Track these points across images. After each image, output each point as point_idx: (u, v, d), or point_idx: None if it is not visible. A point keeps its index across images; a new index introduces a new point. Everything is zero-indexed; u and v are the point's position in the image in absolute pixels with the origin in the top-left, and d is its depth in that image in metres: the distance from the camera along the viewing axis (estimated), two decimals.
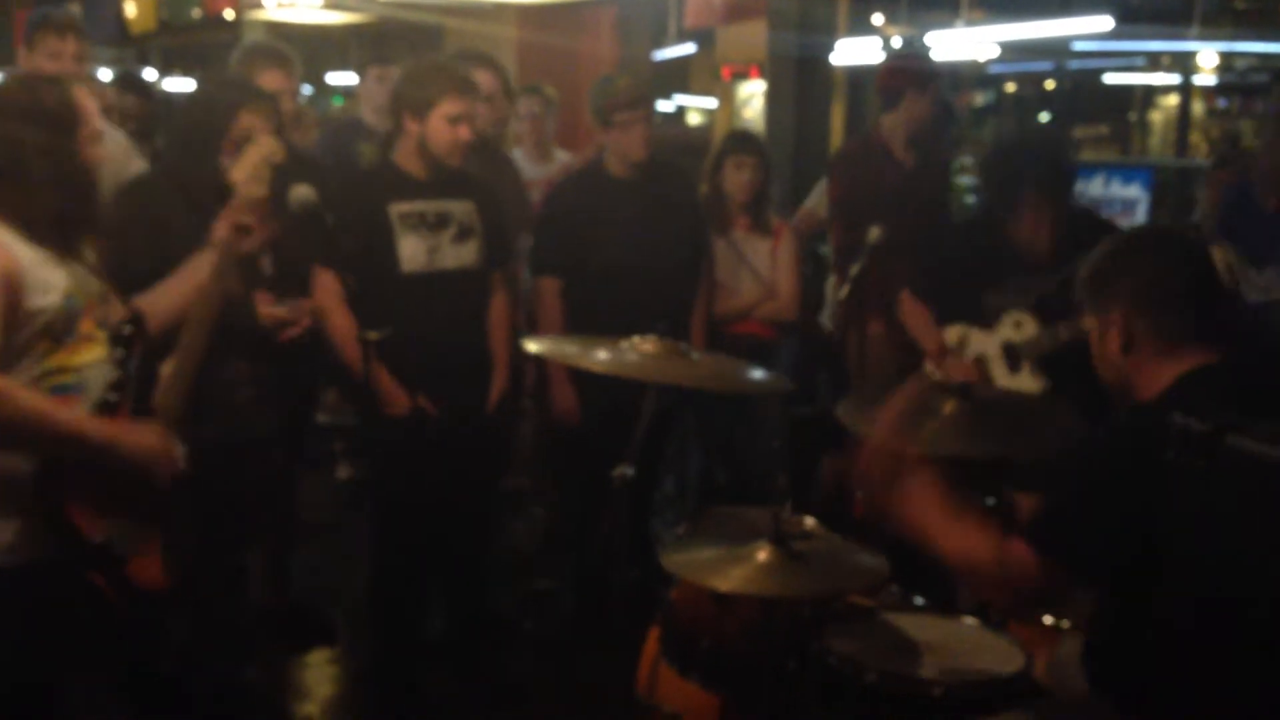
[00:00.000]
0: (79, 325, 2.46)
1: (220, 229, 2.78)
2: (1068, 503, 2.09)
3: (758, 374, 2.98)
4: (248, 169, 2.83)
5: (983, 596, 2.50)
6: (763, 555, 2.42)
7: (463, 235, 3.71)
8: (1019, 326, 3.67)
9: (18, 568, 2.39)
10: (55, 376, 2.42)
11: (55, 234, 2.42)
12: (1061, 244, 3.53)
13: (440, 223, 3.68)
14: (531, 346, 2.90)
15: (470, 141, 3.68)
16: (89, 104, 2.51)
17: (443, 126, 3.59)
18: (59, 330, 2.41)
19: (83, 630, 2.52)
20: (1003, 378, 3.70)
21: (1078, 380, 3.36)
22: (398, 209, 3.63)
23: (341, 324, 3.48)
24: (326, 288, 3.53)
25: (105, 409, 2.48)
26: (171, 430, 2.58)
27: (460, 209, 3.72)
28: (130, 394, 2.54)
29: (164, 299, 2.74)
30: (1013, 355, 3.67)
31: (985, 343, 3.75)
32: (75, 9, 7.98)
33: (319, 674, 4.11)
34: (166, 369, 2.67)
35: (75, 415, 2.40)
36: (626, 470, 2.67)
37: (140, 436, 2.49)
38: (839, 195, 4.69)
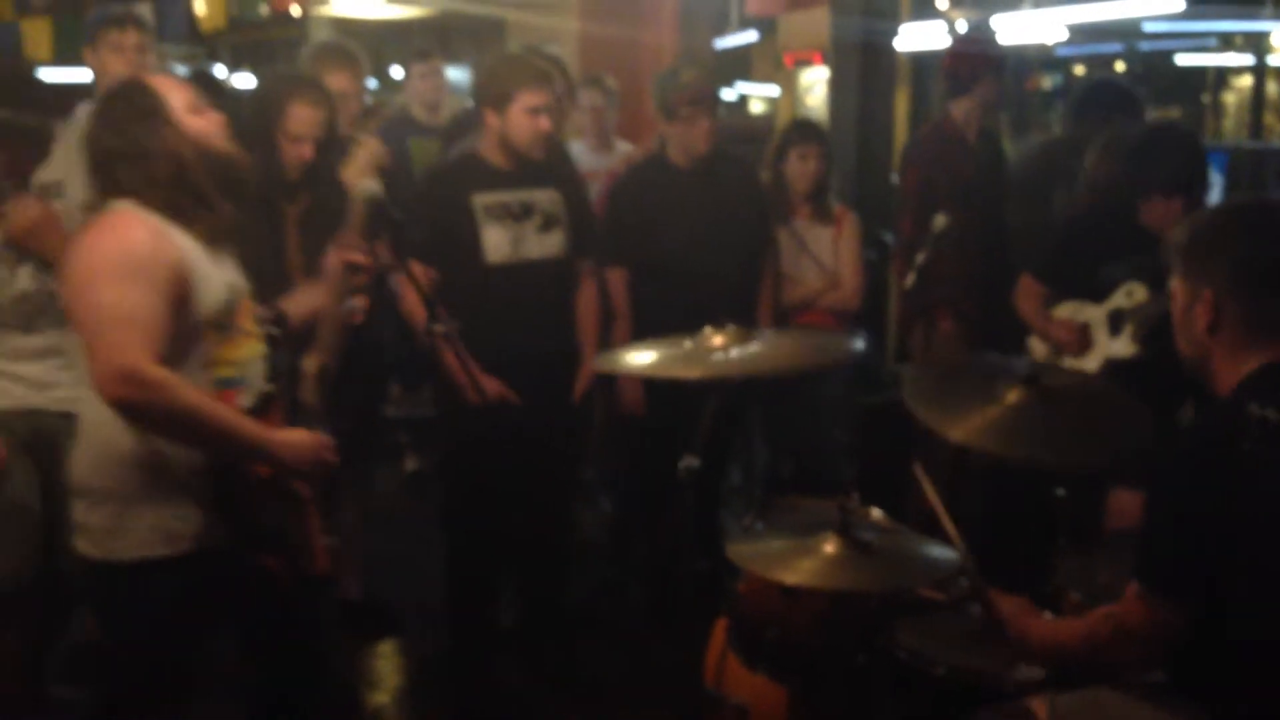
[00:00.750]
0: (239, 319, 2.54)
1: (332, 261, 2.84)
2: (1164, 532, 2.03)
3: (835, 340, 2.95)
4: (356, 171, 2.95)
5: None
6: (829, 547, 2.41)
7: (548, 225, 3.74)
8: (1130, 295, 3.69)
9: (196, 553, 2.46)
10: (220, 369, 2.49)
11: (206, 221, 2.49)
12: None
13: (524, 212, 3.71)
14: (604, 366, 2.90)
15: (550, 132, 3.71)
16: (169, 85, 2.56)
17: (523, 118, 3.62)
18: (222, 323, 2.49)
19: (255, 612, 2.62)
20: (1102, 341, 3.72)
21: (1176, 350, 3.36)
22: (481, 200, 3.67)
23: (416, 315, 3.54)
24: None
25: (265, 402, 2.54)
26: (318, 423, 2.66)
27: (545, 198, 3.75)
28: (284, 388, 2.62)
29: (293, 308, 2.84)
30: (1116, 319, 3.69)
31: (1093, 312, 3.77)
32: (145, 9, 8.11)
33: (390, 664, 4.17)
34: (308, 365, 2.76)
35: (235, 415, 2.45)
36: (693, 461, 2.66)
37: (294, 440, 2.53)
38: (914, 185, 4.65)
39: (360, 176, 2.91)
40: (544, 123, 3.64)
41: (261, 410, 2.53)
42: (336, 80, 4.06)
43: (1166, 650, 2.03)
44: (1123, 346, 3.65)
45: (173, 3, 9.13)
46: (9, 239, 3.14)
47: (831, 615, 2.51)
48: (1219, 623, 1.97)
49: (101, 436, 2.45)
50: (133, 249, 2.37)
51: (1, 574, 3.20)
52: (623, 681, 3.87)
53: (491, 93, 3.65)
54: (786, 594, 2.53)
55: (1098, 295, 3.76)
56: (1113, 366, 3.68)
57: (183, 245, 2.44)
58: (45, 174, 3.30)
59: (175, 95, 2.54)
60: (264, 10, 11.23)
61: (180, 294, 2.40)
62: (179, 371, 2.38)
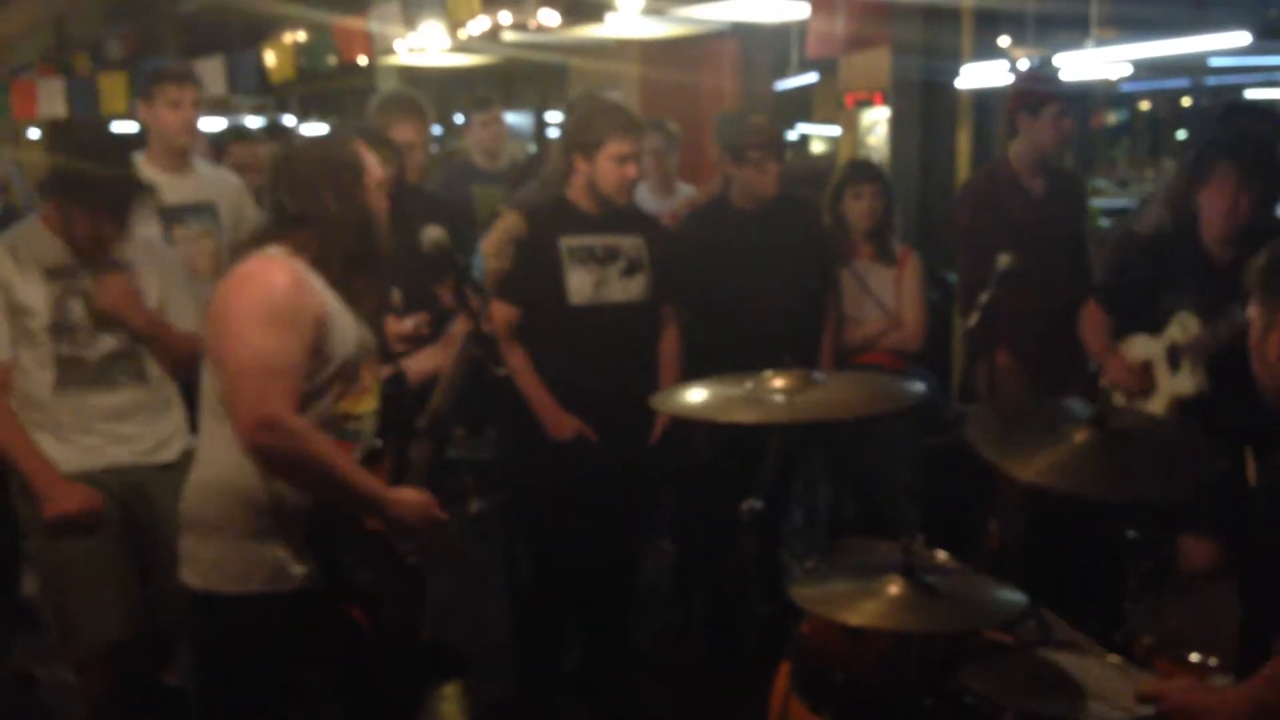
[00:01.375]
0: (363, 374, 2.60)
1: (459, 329, 2.93)
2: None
3: (896, 385, 2.92)
4: (495, 245, 3.15)
5: None
6: (894, 589, 2.38)
7: (631, 270, 3.78)
8: (1184, 328, 3.63)
9: (291, 595, 2.51)
10: (341, 423, 2.55)
11: (346, 277, 2.57)
12: (1245, 240, 3.44)
13: (609, 256, 3.75)
14: (662, 405, 2.91)
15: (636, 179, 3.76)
16: (371, 158, 2.66)
17: (611, 166, 3.67)
18: (348, 377, 2.55)
19: (338, 659, 2.66)
20: (1164, 379, 3.66)
21: (1239, 379, 3.29)
22: (567, 243, 3.72)
23: (512, 355, 3.60)
24: (501, 320, 3.62)
25: (373, 457, 2.60)
26: (424, 480, 2.73)
27: (629, 244, 3.79)
28: (394, 445, 2.68)
29: (415, 365, 2.94)
30: (1174, 355, 3.63)
31: (1152, 347, 3.72)
32: (218, 62, 8.33)
33: (454, 707, 4.18)
34: (420, 422, 2.82)
35: (358, 468, 2.52)
36: (755, 503, 2.66)
37: (407, 498, 2.60)
38: (965, 225, 4.64)
39: (494, 251, 2.97)
40: (631, 170, 3.70)
41: (368, 464, 2.58)
42: (403, 130, 4.13)
43: None
44: (1184, 384, 3.59)
45: (244, 55, 9.36)
46: (95, 311, 3.22)
47: (896, 658, 2.48)
48: None
49: (218, 472, 2.52)
50: (278, 296, 2.43)
51: (98, 627, 3.24)
52: None
53: (581, 139, 3.71)
54: (851, 636, 2.50)
55: (1157, 324, 3.70)
56: (1180, 405, 3.61)
57: (324, 295, 2.51)
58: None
59: (374, 171, 2.65)
60: (332, 61, 11.44)
61: (318, 345, 2.47)
62: (304, 417, 2.45)
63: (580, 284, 3.71)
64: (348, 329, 2.55)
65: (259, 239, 2.58)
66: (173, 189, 3.88)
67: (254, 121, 11.30)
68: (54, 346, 3.19)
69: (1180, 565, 3.42)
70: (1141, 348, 3.75)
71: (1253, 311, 2.10)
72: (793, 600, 2.47)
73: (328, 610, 2.55)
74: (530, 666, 3.92)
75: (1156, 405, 3.67)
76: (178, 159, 4.06)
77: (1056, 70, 5.67)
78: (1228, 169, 3.50)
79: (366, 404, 2.62)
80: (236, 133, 4.78)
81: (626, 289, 3.77)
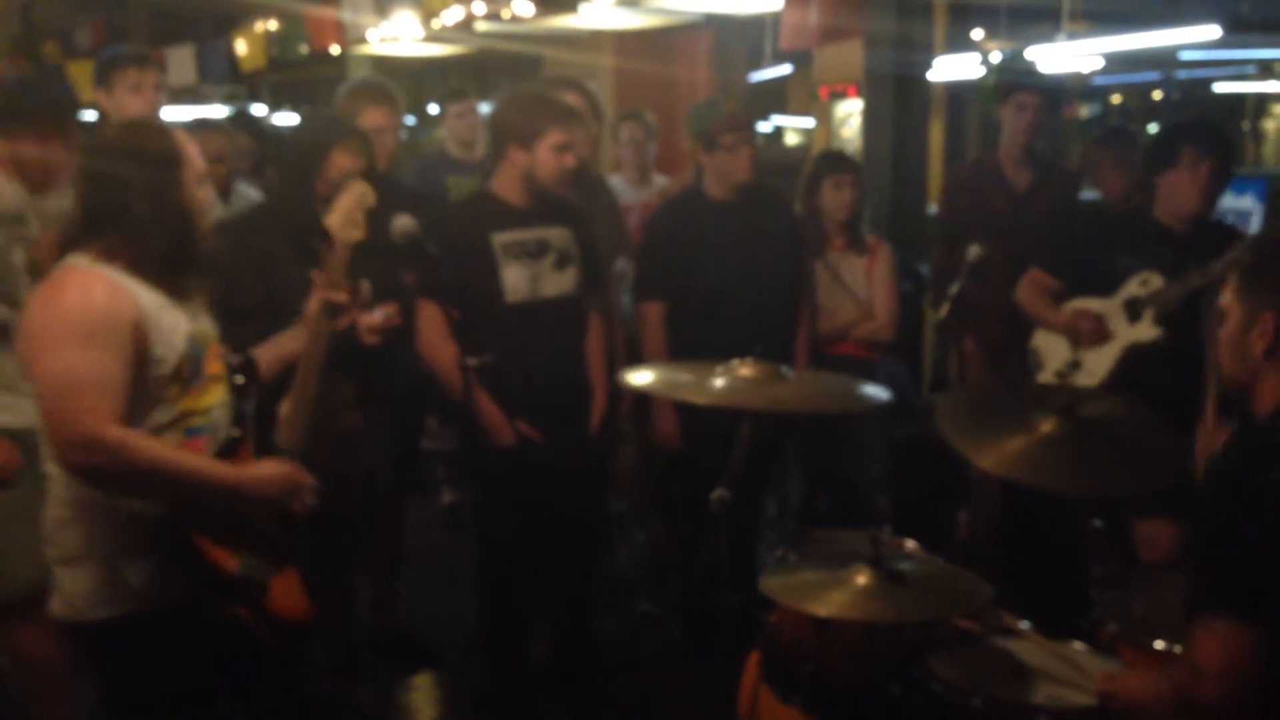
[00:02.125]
0: (204, 367, 2.49)
1: (312, 305, 2.80)
2: (1206, 555, 1.99)
3: (862, 389, 2.93)
4: (341, 215, 2.84)
5: None
6: (861, 579, 2.39)
7: (561, 262, 3.75)
8: (1145, 283, 3.71)
9: (160, 609, 2.41)
10: (186, 420, 2.45)
11: (166, 276, 2.44)
12: (1200, 223, 3.68)
13: (540, 250, 3.72)
14: (631, 380, 2.89)
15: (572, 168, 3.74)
16: (192, 147, 2.52)
17: (550, 156, 3.64)
18: (186, 374, 2.44)
19: (230, 664, 2.55)
20: (1121, 329, 3.73)
21: (1198, 329, 3.37)
22: (500, 239, 3.68)
23: (444, 354, 3.55)
24: (430, 318, 3.59)
25: (230, 446, 2.51)
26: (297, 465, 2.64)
27: (558, 235, 3.76)
28: (251, 431, 2.57)
29: (268, 353, 2.80)
30: (1133, 306, 3.71)
31: (1106, 305, 3.78)
32: (189, 51, 8.27)
33: (426, 697, 4.17)
34: (284, 408, 2.73)
35: (199, 460, 2.42)
36: (724, 494, 2.66)
37: (264, 474, 2.50)
38: (942, 216, 4.68)
39: (341, 222, 2.88)
40: (570, 160, 3.67)
41: (228, 455, 2.49)
42: (373, 116, 4.10)
43: (1248, 685, 1.92)
44: (1144, 331, 3.67)
45: (214, 43, 9.29)
46: (30, 264, 3.19)
47: (865, 647, 2.49)
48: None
49: (59, 493, 2.42)
50: (90, 310, 2.29)
51: (26, 576, 3.21)
52: (657, 715, 3.85)
53: (520, 130, 3.66)
54: (819, 626, 2.52)
55: (1107, 289, 3.77)
56: (1134, 352, 3.69)
57: (142, 300, 2.37)
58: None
59: (195, 162, 2.50)
60: (304, 50, 11.38)
61: (140, 351, 2.35)
62: (143, 427, 2.35)
63: (516, 281, 3.67)
64: (175, 328, 2.41)
65: (65, 245, 2.41)
66: None
67: (224, 111, 11.23)
68: None
69: (1141, 554, 3.47)
70: (1091, 306, 3.82)
71: (1229, 303, 2.11)
72: (762, 590, 2.48)
73: (209, 614, 2.45)
74: (500, 657, 3.92)
75: (1109, 353, 3.72)
76: None
77: (1029, 63, 5.70)
78: (1198, 155, 3.61)
79: (213, 395, 2.51)
80: (199, 124, 4.72)
81: (559, 283, 3.74)
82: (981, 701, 2.34)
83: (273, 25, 11.82)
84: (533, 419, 3.66)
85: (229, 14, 12.55)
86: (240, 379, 2.61)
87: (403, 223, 3.15)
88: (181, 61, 11.60)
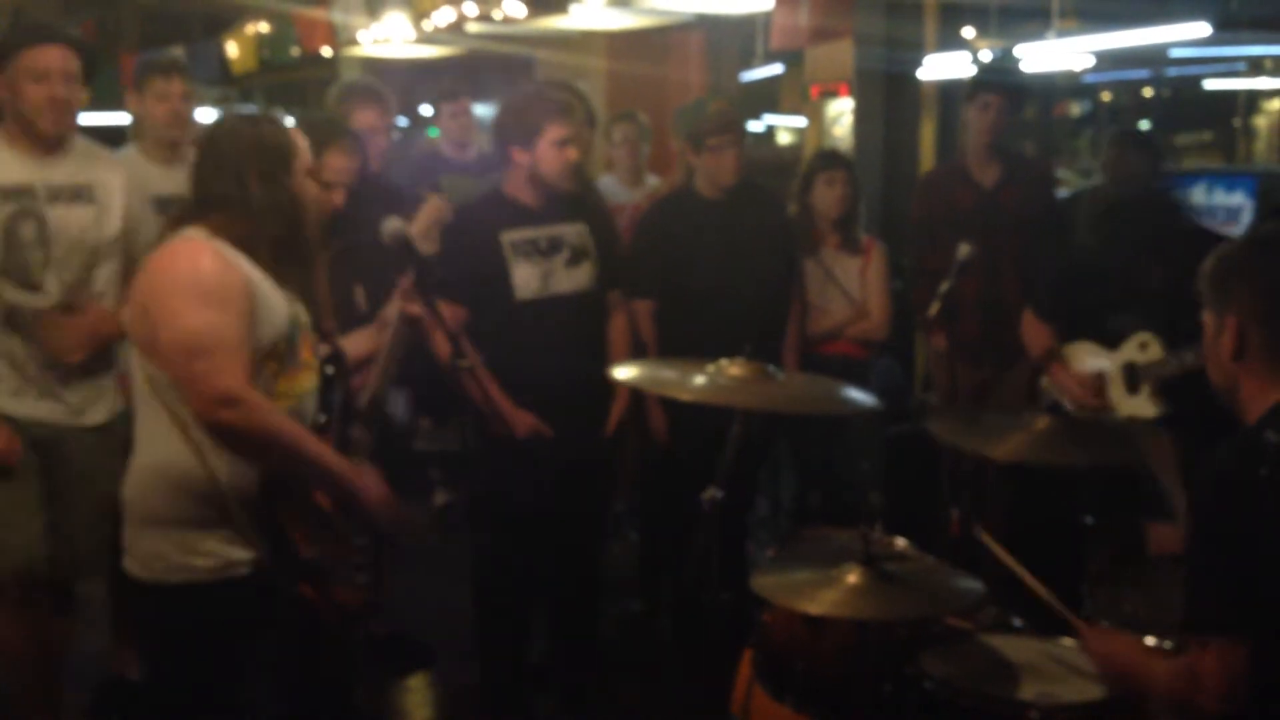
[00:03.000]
0: (300, 352, 2.57)
1: (393, 310, 2.94)
2: (1200, 569, 2.00)
3: (848, 393, 2.95)
4: (421, 228, 3.08)
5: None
6: (852, 577, 2.40)
7: (576, 259, 3.77)
8: (1144, 348, 3.60)
9: (223, 582, 2.49)
10: (280, 401, 2.51)
11: (274, 261, 2.53)
12: (1184, 272, 3.46)
13: (552, 248, 3.74)
14: (619, 375, 2.91)
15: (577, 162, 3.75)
16: (303, 143, 2.63)
17: (551, 151, 3.65)
18: (283, 354, 2.51)
19: (291, 638, 2.64)
20: (1120, 399, 3.63)
21: (1198, 407, 3.33)
22: (509, 237, 3.70)
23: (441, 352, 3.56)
24: (442, 317, 3.59)
25: (316, 434, 2.57)
26: (367, 459, 2.73)
27: (572, 232, 3.78)
28: (336, 421, 2.66)
29: (352, 345, 2.93)
30: (1133, 376, 3.60)
31: (1106, 361, 3.70)
32: (179, 52, 8.27)
33: (419, 699, 4.18)
34: (360, 404, 2.82)
35: (322, 446, 2.52)
36: (716, 493, 2.67)
37: (374, 484, 2.58)
38: (914, 216, 4.71)
39: (421, 234, 2.98)
40: (572, 153, 3.68)
41: None
42: (364, 117, 4.11)
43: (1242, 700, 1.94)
44: (1143, 406, 3.54)
45: (206, 45, 9.28)
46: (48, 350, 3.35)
47: (856, 645, 2.50)
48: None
49: (155, 459, 2.49)
50: (204, 274, 2.40)
51: (13, 560, 3.31)
52: (651, 714, 3.85)
53: (518, 130, 3.68)
54: (811, 624, 2.53)
55: (1107, 340, 3.66)
56: None
57: (248, 271, 2.47)
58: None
59: (304, 157, 2.61)
60: (295, 52, 11.38)
61: (251, 320, 2.44)
62: None
63: (526, 279, 3.69)
64: (277, 306, 2.50)
65: (179, 220, 2.54)
66: (164, 179, 3.88)
67: (215, 114, 11.22)
68: (3, 286, 3.28)
69: (1150, 550, 3.46)
70: (1091, 359, 3.71)
71: (1205, 317, 2.16)
72: (754, 589, 2.49)
73: (279, 591, 2.53)
74: (493, 657, 3.92)
75: None
76: (169, 151, 4.06)
77: (1015, 61, 5.71)
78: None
79: (306, 382, 2.59)
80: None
81: (573, 279, 3.76)
82: (973, 699, 2.34)
83: (264, 27, 11.82)
84: (543, 414, 3.68)
85: (220, 16, 12.55)
86: (330, 369, 2.69)
87: (393, 225, 3.15)
88: None
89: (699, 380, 2.66)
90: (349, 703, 3.02)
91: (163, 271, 2.45)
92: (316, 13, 10.41)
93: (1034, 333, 3.87)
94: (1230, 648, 1.92)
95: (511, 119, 3.72)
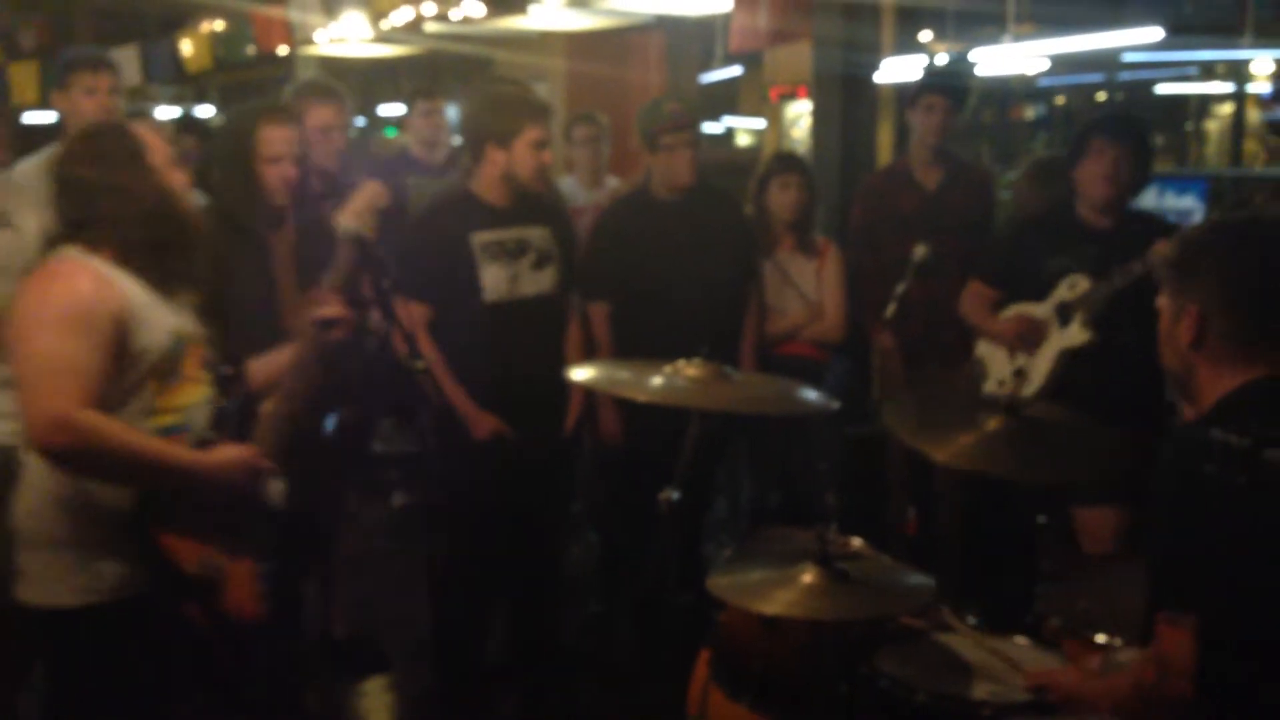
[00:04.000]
0: (184, 366, 2.53)
1: (305, 321, 2.81)
2: (1161, 549, 2.02)
3: (804, 394, 2.96)
4: (353, 213, 2.89)
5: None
6: (808, 577, 2.41)
7: (541, 262, 3.77)
8: (1073, 287, 3.75)
9: (125, 601, 2.47)
10: (161, 416, 2.49)
11: (153, 264, 2.51)
12: (1123, 215, 3.73)
13: (519, 250, 3.74)
14: (576, 376, 2.91)
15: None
16: (152, 136, 2.58)
17: (528, 153, 3.66)
18: (165, 370, 2.49)
19: (179, 662, 2.60)
20: (1054, 334, 3.76)
21: (1130, 330, 3.44)
22: (479, 238, 3.69)
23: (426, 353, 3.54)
24: (408, 317, 3.57)
25: (203, 446, 2.54)
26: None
27: (537, 235, 3.78)
28: (228, 432, 2.61)
29: (260, 367, 2.83)
30: (1064, 311, 3.75)
31: (1038, 309, 3.83)
32: (133, 51, 8.18)
33: (375, 702, 4.15)
34: (266, 408, 2.74)
35: (160, 444, 2.46)
36: (672, 493, 2.67)
37: (221, 458, 2.53)
38: (857, 220, 4.75)
39: (355, 219, 2.89)
40: (548, 156, 3.70)
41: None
42: (320, 115, 4.08)
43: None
44: (1075, 335, 3.71)
45: (160, 44, 9.18)
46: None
47: (812, 645, 2.51)
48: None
49: (37, 482, 2.48)
50: (77, 299, 2.38)
51: None
52: (609, 715, 3.85)
53: (497, 129, 3.67)
54: (767, 625, 2.53)
55: (1041, 294, 3.82)
56: (1068, 356, 3.73)
57: (128, 292, 2.45)
58: None
59: (158, 148, 2.57)
60: (250, 51, 11.27)
61: (122, 342, 2.41)
62: (119, 418, 2.40)
63: (495, 281, 3.69)
64: (159, 322, 2.48)
65: (52, 241, 2.51)
66: None
67: (171, 112, 11.11)
68: None
69: (1085, 547, 3.51)
70: (1026, 311, 3.86)
71: (1162, 300, 2.15)
72: (709, 590, 2.49)
73: (163, 612, 2.50)
74: (452, 660, 3.91)
75: (1044, 358, 3.77)
76: None
77: (970, 65, 5.76)
78: (1105, 143, 3.69)
79: (193, 394, 2.56)
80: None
81: (538, 282, 3.76)
82: (926, 697, 2.36)
83: (219, 26, 11.71)
84: (505, 416, 3.67)
85: (174, 14, 12.41)
86: (229, 371, 2.65)
87: (348, 225, 3.12)
88: (126, 62, 11.46)
89: (656, 381, 2.67)
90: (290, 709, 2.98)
91: (33, 294, 2.43)
92: (273, 11, 10.32)
93: (974, 299, 4.02)
94: (1198, 625, 1.92)
95: (490, 117, 3.70)
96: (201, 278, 2.63)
